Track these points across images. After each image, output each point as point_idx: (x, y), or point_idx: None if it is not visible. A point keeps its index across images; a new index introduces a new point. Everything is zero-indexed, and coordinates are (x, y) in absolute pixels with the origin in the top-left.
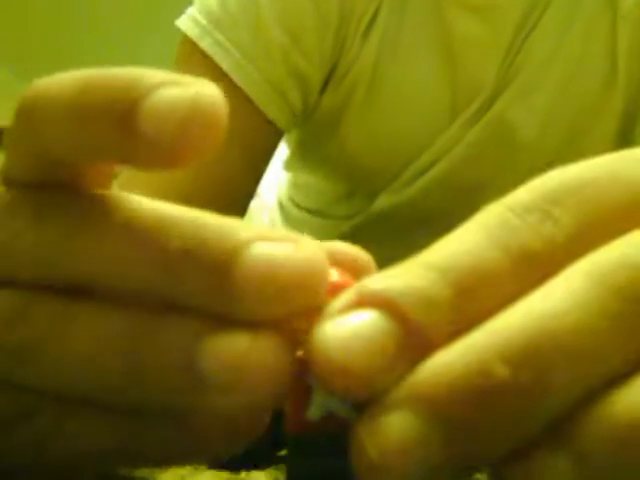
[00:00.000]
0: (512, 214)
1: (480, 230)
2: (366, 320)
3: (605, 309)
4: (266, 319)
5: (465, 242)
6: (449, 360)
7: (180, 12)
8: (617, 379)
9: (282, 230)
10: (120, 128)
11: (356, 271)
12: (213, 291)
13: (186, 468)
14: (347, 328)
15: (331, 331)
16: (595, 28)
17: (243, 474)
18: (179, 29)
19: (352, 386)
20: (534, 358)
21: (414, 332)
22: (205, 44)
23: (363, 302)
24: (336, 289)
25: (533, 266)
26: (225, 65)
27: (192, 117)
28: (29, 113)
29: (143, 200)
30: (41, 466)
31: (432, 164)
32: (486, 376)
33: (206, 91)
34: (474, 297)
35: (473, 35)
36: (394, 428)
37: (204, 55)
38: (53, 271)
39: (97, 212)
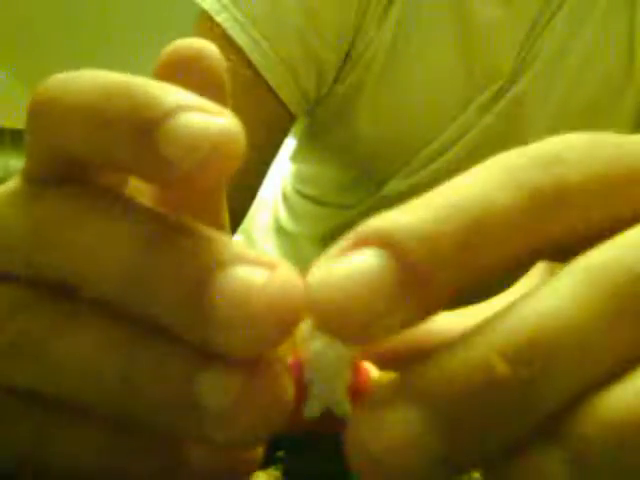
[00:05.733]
0: (522, 158)
1: (490, 171)
2: (364, 259)
3: (603, 308)
4: (245, 355)
5: (473, 183)
6: (450, 356)
7: (181, 15)
8: (613, 377)
9: (262, 254)
10: (139, 143)
11: (203, 69)
12: (188, 314)
13: None
14: (345, 267)
15: (328, 270)
16: (613, 15)
17: None
18: (180, 30)
19: (350, 327)
20: (534, 355)
21: (415, 273)
22: (222, 19)
23: (362, 241)
24: None
25: (544, 207)
26: (241, 41)
27: (215, 154)
28: (46, 112)
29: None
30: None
31: (444, 150)
32: (486, 372)
33: (231, 126)
34: (483, 240)
35: (493, 20)
36: (395, 423)
37: (222, 30)
38: (43, 268)
39: (84, 208)
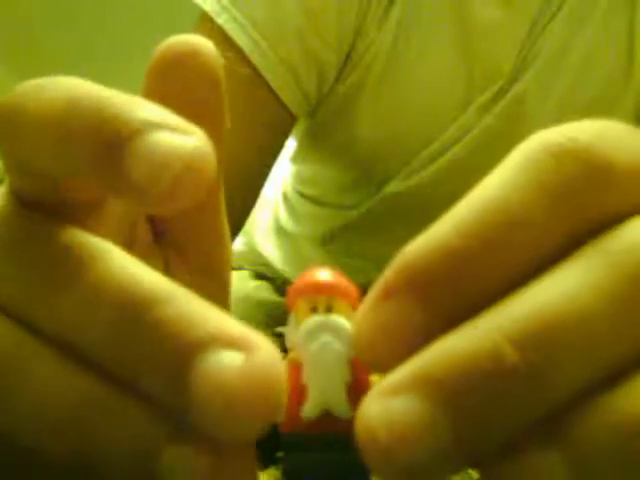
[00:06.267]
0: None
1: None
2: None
3: (617, 294)
4: (222, 438)
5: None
6: (458, 343)
7: (181, 13)
8: (619, 376)
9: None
10: (106, 161)
11: (198, 65)
12: (169, 388)
13: None
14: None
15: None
16: (613, 15)
17: None
18: (180, 29)
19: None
20: (543, 341)
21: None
22: (222, 20)
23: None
24: (325, 288)
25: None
26: (241, 42)
27: (186, 176)
28: (12, 122)
29: (121, 260)
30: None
31: (444, 151)
32: (495, 359)
33: (201, 146)
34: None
35: (493, 20)
36: (403, 412)
37: (222, 32)
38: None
39: (73, 263)
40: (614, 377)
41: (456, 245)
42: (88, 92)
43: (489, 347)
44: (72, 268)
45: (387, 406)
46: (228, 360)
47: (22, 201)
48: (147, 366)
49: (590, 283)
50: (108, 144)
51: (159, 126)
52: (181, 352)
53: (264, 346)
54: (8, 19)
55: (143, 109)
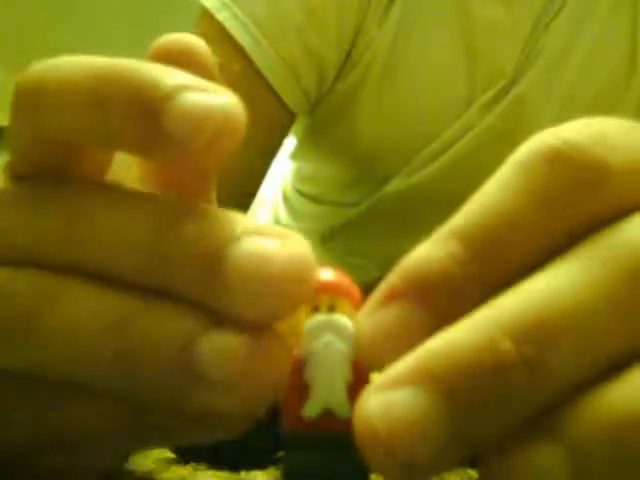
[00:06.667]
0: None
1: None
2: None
3: (613, 289)
4: (257, 319)
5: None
6: (455, 337)
7: (181, 14)
8: (614, 370)
9: (274, 226)
10: (144, 122)
11: (191, 63)
12: (204, 284)
13: (186, 468)
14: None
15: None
16: (616, 13)
17: (243, 474)
18: (180, 29)
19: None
20: (538, 334)
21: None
22: (222, 17)
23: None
24: (327, 288)
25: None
26: (241, 39)
27: (224, 129)
28: (35, 97)
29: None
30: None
31: (445, 149)
32: (492, 352)
33: (233, 104)
34: None
35: (495, 19)
36: (401, 404)
37: (222, 29)
38: (50, 257)
39: (91, 200)
40: (610, 371)
41: (456, 251)
42: (113, 63)
43: (486, 341)
44: (90, 199)
45: (386, 399)
46: (264, 245)
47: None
48: (184, 260)
49: (587, 277)
50: (146, 107)
51: (192, 88)
52: (219, 241)
53: (296, 235)
54: (8, 19)
55: (175, 74)
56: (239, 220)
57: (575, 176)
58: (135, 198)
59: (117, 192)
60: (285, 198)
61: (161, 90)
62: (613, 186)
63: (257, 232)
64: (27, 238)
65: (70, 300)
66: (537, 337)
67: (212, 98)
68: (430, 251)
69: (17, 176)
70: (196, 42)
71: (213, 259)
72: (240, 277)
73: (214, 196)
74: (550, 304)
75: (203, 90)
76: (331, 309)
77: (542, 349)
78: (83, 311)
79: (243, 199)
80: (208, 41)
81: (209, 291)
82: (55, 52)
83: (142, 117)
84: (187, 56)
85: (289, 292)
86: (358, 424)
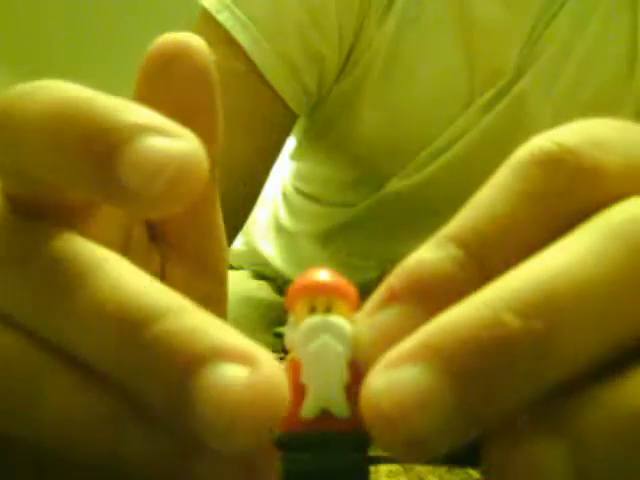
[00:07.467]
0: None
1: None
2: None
3: (619, 264)
4: (230, 452)
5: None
6: (461, 313)
7: (181, 14)
8: (621, 364)
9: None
10: (98, 169)
11: (190, 62)
12: (172, 408)
13: None
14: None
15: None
16: (616, 14)
17: None
18: (180, 30)
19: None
20: (545, 309)
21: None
22: (222, 18)
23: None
24: (324, 289)
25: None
26: (242, 40)
27: (179, 179)
28: (2, 128)
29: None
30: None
31: (445, 149)
32: (498, 327)
33: (192, 148)
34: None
35: (495, 20)
36: (406, 381)
37: (223, 30)
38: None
39: (69, 271)
40: (616, 364)
41: (455, 254)
42: (77, 98)
43: (492, 316)
44: (69, 279)
45: (390, 377)
46: (232, 374)
47: (17, 204)
48: (148, 380)
49: (592, 253)
50: (100, 153)
51: (149, 130)
52: (182, 366)
53: (267, 360)
54: (8, 20)
55: (133, 113)
56: (209, 335)
57: (570, 179)
58: (112, 282)
59: (95, 269)
60: (285, 198)
61: (115, 135)
62: (608, 188)
63: (226, 355)
64: (5, 301)
65: (55, 387)
66: (542, 311)
67: (169, 143)
68: (429, 253)
69: (11, 194)
70: (195, 41)
71: (182, 377)
72: (208, 409)
73: (218, 205)
74: (557, 278)
75: (161, 132)
76: (328, 310)
77: (547, 322)
78: (69, 404)
79: (245, 201)
80: (208, 42)
81: (175, 410)
82: (56, 55)
83: (97, 163)
84: (186, 56)
85: (260, 426)
86: (364, 403)
